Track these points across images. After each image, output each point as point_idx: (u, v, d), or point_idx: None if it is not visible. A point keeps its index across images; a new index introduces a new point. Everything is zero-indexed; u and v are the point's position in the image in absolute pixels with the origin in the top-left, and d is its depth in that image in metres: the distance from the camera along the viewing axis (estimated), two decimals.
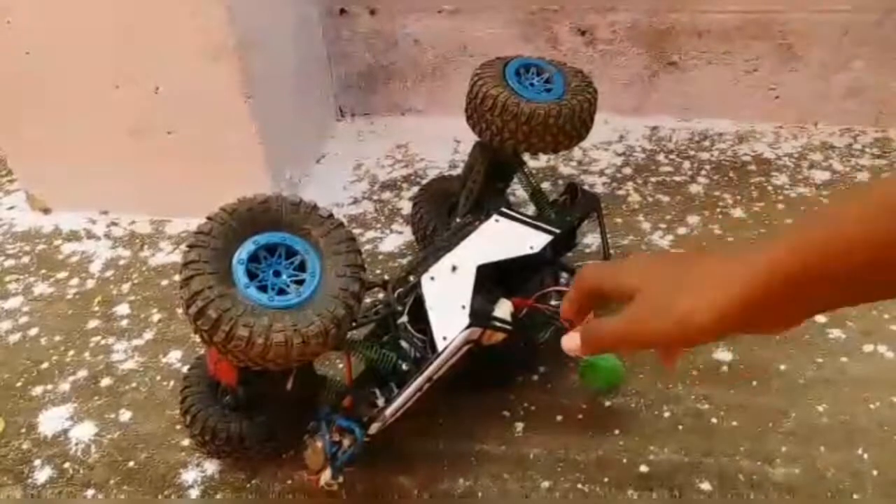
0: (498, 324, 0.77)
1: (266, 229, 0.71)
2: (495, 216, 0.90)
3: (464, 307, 0.78)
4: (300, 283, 0.70)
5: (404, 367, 0.78)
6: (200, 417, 0.82)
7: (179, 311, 1.10)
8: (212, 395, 0.84)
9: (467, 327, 0.75)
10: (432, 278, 0.82)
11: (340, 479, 0.76)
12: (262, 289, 0.69)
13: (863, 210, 0.40)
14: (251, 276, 0.69)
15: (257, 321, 0.65)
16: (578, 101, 0.96)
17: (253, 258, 0.70)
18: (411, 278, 0.85)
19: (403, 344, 0.81)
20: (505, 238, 0.88)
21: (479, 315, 0.77)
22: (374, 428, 0.75)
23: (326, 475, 0.73)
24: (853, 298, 0.43)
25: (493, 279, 0.85)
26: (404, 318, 0.82)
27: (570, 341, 0.52)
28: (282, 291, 0.69)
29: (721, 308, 0.43)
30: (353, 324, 0.77)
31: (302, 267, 0.72)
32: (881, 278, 0.40)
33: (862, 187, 0.43)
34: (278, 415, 0.83)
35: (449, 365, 0.76)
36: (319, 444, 0.74)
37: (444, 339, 0.76)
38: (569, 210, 1.00)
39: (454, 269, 0.82)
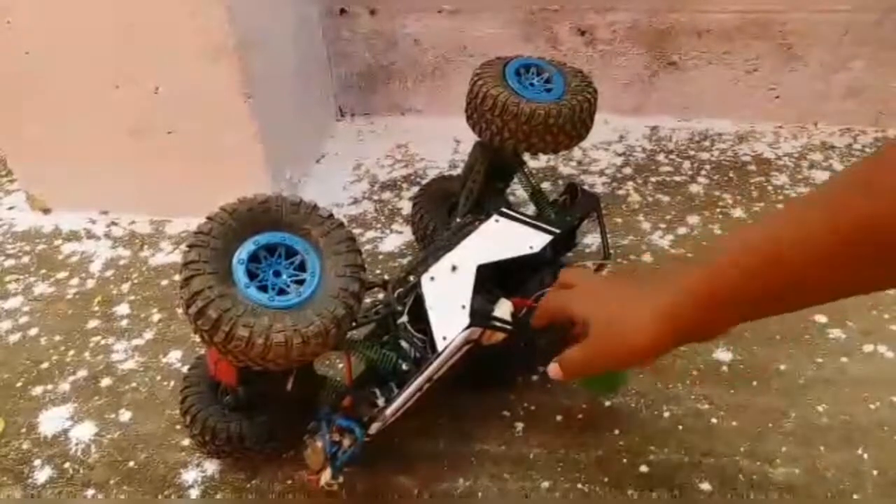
0: (498, 324, 0.77)
1: (266, 229, 0.71)
2: (495, 216, 0.90)
3: (464, 307, 0.78)
4: (300, 283, 0.70)
5: (404, 366, 0.78)
6: (200, 417, 0.82)
7: (179, 311, 1.10)
8: (212, 395, 0.84)
9: (467, 327, 0.75)
10: (432, 278, 0.82)
11: (340, 479, 0.76)
12: (263, 289, 0.68)
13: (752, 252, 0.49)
14: (251, 276, 0.69)
15: (257, 321, 0.65)
16: (578, 102, 0.96)
17: (253, 258, 0.70)
18: (411, 278, 0.85)
19: (403, 344, 0.81)
20: (505, 238, 0.88)
21: (480, 315, 0.77)
22: (375, 428, 0.75)
23: (326, 475, 0.73)
24: (773, 311, 0.52)
25: (493, 279, 0.85)
26: (404, 318, 0.82)
27: (553, 371, 0.63)
28: (282, 291, 0.69)
29: (656, 333, 0.53)
30: (353, 324, 0.76)
31: (302, 267, 0.71)
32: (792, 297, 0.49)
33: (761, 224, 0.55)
34: (278, 415, 0.83)
35: (449, 365, 0.76)
36: (319, 443, 0.74)
37: (444, 338, 0.76)
38: (569, 210, 0.99)
39: (454, 268, 0.82)
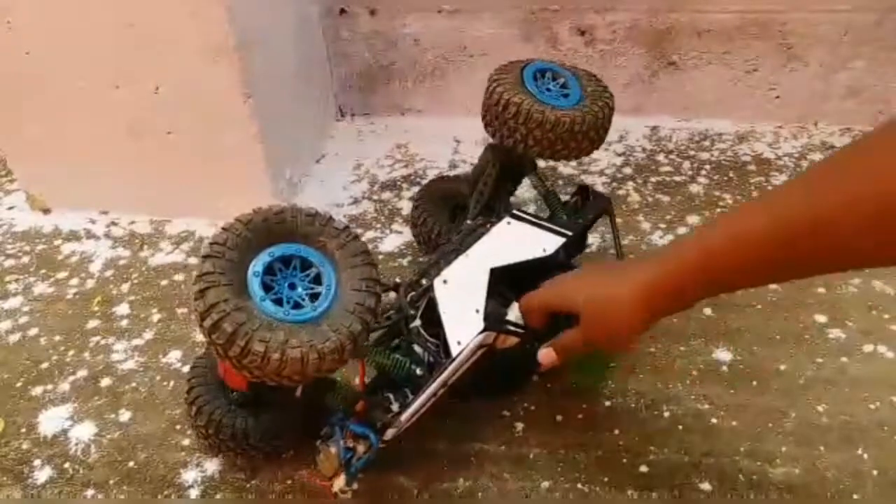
0: (512, 328, 0.76)
1: (281, 240, 0.69)
2: (507, 218, 0.88)
3: (478, 311, 0.76)
4: (315, 296, 0.68)
5: (418, 371, 0.77)
6: (206, 410, 0.81)
7: (179, 311, 1.10)
8: (219, 388, 0.83)
9: (482, 331, 0.74)
10: (445, 281, 0.80)
11: (355, 486, 0.75)
12: (278, 302, 0.66)
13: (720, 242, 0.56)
14: (266, 288, 0.67)
15: (273, 336, 0.63)
16: (599, 107, 0.94)
17: (268, 270, 0.68)
18: (423, 281, 0.84)
19: (417, 348, 0.80)
20: (518, 240, 0.86)
21: (494, 319, 0.76)
22: (390, 434, 0.74)
23: (340, 482, 0.72)
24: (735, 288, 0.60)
25: (506, 282, 0.84)
26: (417, 323, 0.81)
27: (546, 356, 0.69)
28: (297, 305, 0.67)
29: (638, 317, 0.61)
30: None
31: (317, 280, 0.69)
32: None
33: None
34: (285, 414, 0.82)
35: (463, 369, 0.75)
36: (333, 449, 0.73)
37: (459, 343, 0.75)
38: (580, 212, 0.98)
39: (467, 272, 0.81)
